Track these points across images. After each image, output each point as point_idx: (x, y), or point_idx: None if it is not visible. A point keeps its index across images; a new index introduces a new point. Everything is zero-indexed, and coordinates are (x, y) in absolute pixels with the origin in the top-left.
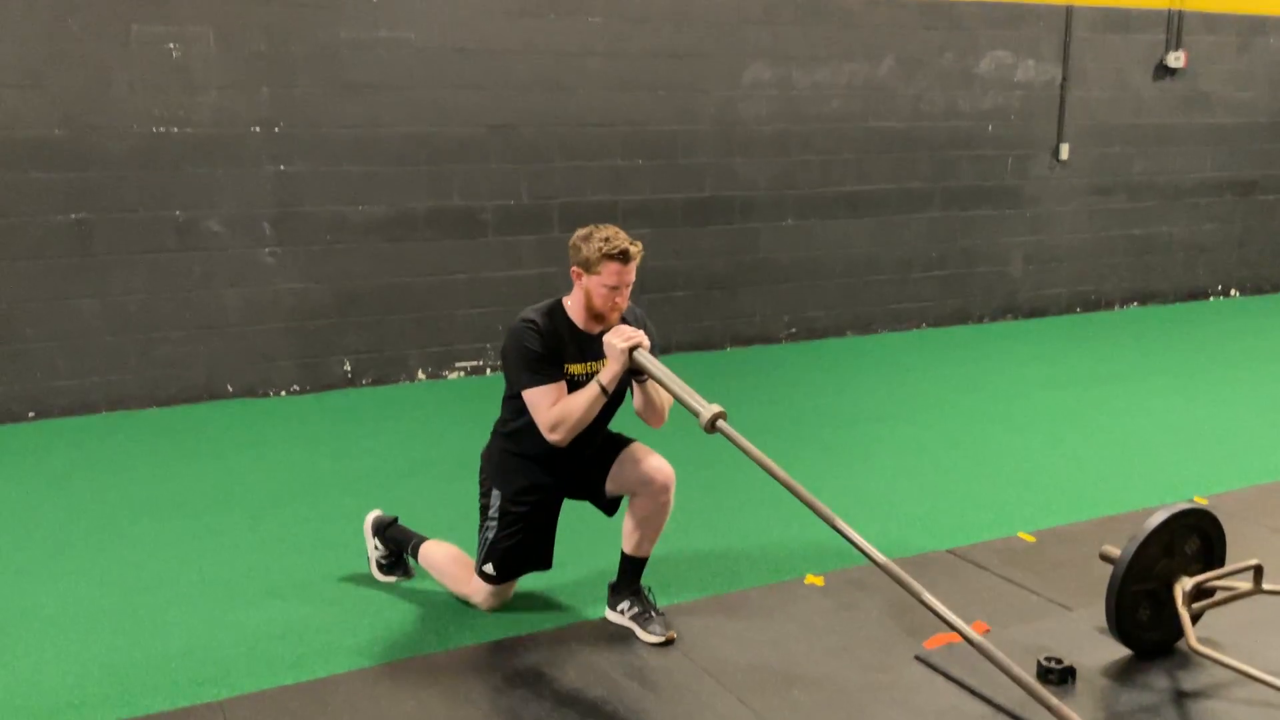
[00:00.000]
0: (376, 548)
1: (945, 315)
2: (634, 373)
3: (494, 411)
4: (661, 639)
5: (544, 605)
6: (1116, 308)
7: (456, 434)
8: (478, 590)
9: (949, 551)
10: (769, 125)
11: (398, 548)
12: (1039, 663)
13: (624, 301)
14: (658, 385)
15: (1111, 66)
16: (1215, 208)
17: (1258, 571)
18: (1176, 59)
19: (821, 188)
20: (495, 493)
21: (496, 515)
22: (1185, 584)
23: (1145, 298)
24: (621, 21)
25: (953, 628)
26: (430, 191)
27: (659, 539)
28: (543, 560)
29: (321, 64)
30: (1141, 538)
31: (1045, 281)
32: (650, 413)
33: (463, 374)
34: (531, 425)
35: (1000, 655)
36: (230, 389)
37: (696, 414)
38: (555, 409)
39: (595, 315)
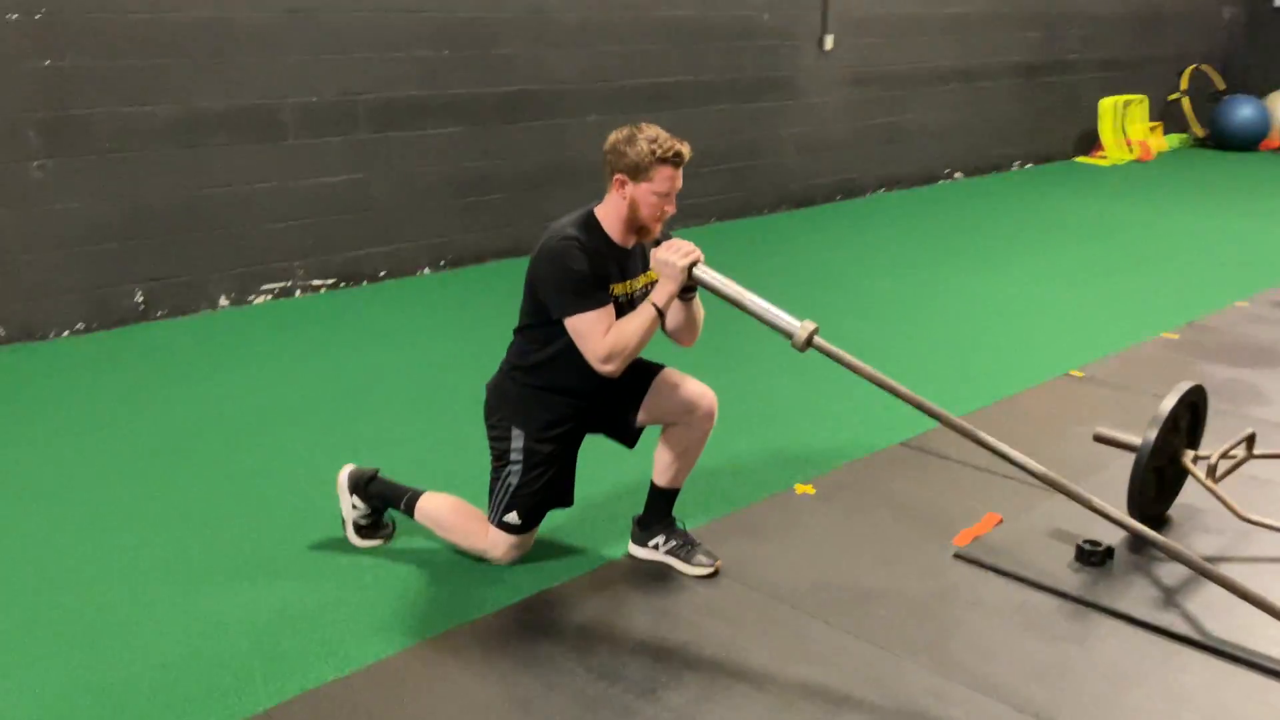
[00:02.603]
0: (355, 506)
1: (732, 209)
2: (684, 291)
3: (314, 336)
4: (710, 569)
5: (555, 551)
6: (869, 194)
7: (291, 368)
8: (497, 543)
9: (903, 445)
10: (573, 13)
11: (383, 504)
12: (1079, 547)
13: (672, 209)
14: (698, 302)
15: None
16: (945, 96)
17: (1250, 439)
18: None
19: (623, 80)
20: (516, 432)
21: (520, 457)
22: (1210, 458)
23: (892, 183)
24: None
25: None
26: (223, 89)
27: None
28: (566, 497)
29: None
30: (1162, 420)
31: (813, 171)
32: (688, 331)
33: (270, 297)
34: (561, 357)
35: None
36: (1, 333)
37: (787, 334)
38: (609, 338)
39: (638, 228)
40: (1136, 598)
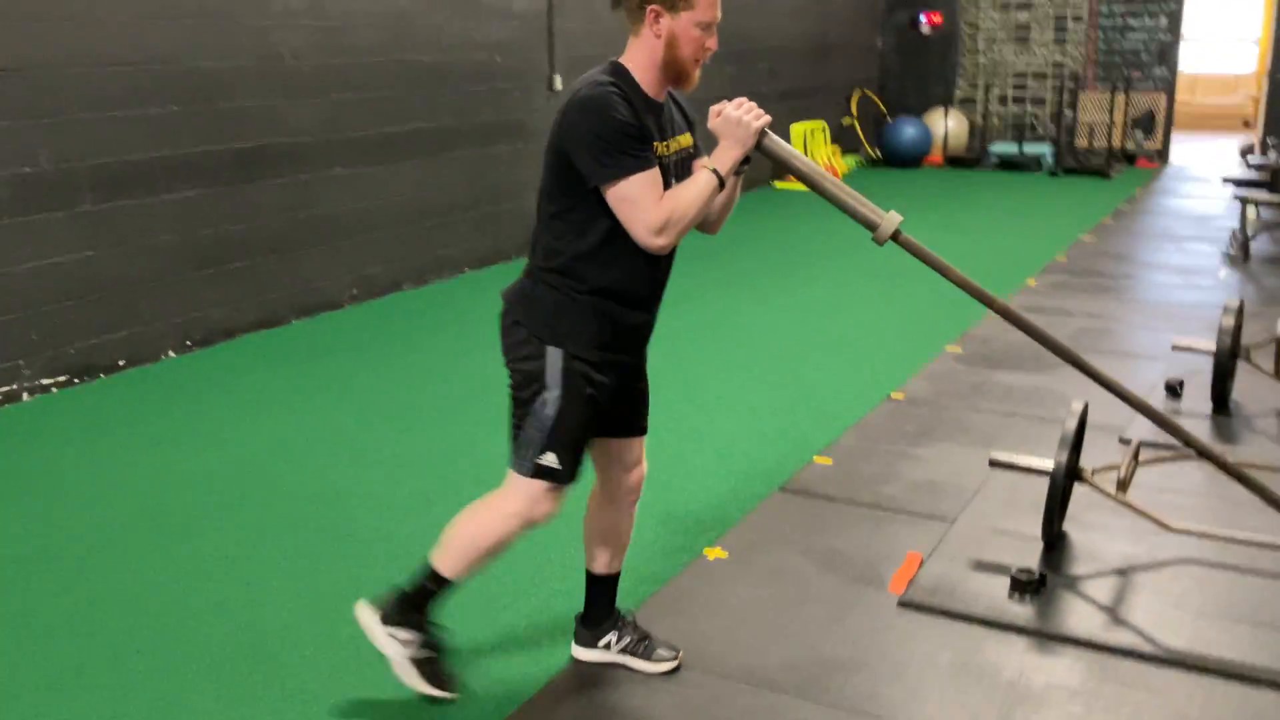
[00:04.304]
0: (400, 637)
1: (485, 256)
2: (742, 161)
3: (58, 448)
4: (674, 662)
5: (485, 672)
6: None
7: (43, 492)
8: (530, 497)
9: (781, 490)
10: (307, 60)
11: (420, 613)
12: (1013, 578)
13: (714, 46)
14: (738, 182)
15: None
16: None
17: (1137, 450)
18: None
19: (363, 129)
20: (553, 352)
21: (559, 380)
22: (1120, 471)
23: None
24: None
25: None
26: None
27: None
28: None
29: None
30: (1070, 443)
31: None
32: (724, 212)
33: None
34: (605, 244)
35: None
36: None
37: (871, 225)
38: (664, 203)
39: (676, 74)
40: (1088, 621)
